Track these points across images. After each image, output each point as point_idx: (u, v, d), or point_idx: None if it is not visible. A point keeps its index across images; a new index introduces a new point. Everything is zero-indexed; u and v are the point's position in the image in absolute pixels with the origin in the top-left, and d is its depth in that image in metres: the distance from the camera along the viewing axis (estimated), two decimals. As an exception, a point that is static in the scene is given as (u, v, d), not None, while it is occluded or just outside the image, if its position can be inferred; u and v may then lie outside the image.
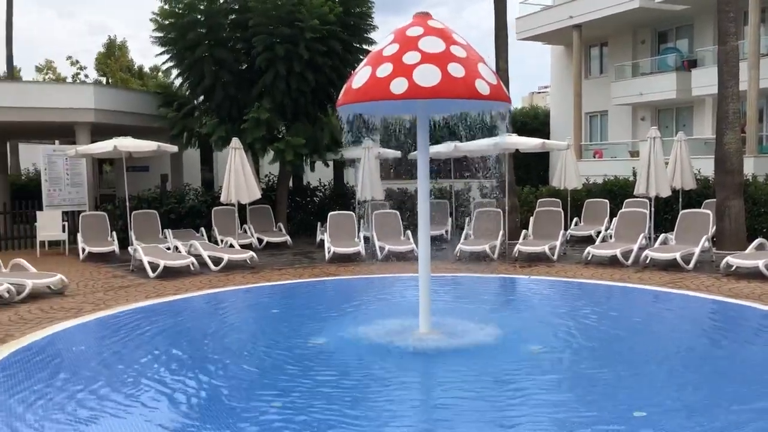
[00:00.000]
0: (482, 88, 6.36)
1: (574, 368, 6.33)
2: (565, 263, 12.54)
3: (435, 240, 15.03)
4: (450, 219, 16.80)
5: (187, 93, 16.92)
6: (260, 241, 15.30)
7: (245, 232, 15.50)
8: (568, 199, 16.18)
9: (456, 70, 6.32)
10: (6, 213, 17.41)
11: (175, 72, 16.80)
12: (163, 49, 15.94)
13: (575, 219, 16.23)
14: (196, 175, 23.09)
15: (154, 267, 11.55)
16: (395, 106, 7.19)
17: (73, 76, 36.24)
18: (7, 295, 9.41)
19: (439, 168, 22.89)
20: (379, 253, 13.26)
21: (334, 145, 16.05)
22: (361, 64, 6.81)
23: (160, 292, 10.19)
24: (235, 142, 13.50)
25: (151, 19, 15.59)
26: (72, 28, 73.48)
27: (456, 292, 10.32)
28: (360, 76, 6.63)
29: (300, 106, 15.84)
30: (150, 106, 17.38)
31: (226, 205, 14.17)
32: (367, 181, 14.34)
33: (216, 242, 14.40)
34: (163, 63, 16.58)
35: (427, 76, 6.24)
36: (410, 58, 6.39)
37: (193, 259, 11.92)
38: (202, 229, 15.42)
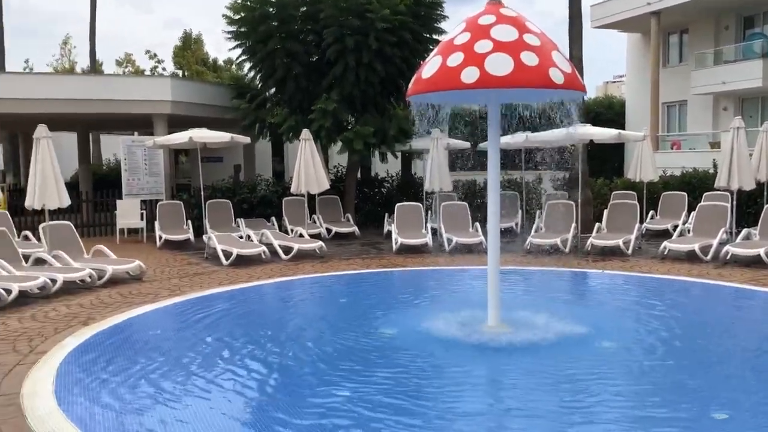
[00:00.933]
0: (556, 76, 6.21)
1: (648, 366, 6.12)
2: (640, 258, 12.15)
3: (505, 232, 14.82)
4: (520, 211, 16.53)
5: (260, 85, 17.22)
6: (329, 231, 15.45)
7: (314, 222, 15.69)
8: (644, 191, 15.65)
9: (529, 58, 6.18)
10: (88, 201, 18.23)
11: (248, 65, 17.12)
12: (236, 43, 16.27)
13: (651, 212, 15.70)
14: (267, 166, 23.52)
15: (227, 255, 11.84)
16: (466, 96, 7.11)
17: (151, 69, 37.51)
18: (89, 279, 9.84)
19: (510, 158, 22.54)
20: (446, 244, 13.18)
21: (403, 136, 16.03)
22: (432, 53, 6.76)
23: (232, 279, 10.44)
24: (305, 133, 13.67)
25: (223, 15, 15.94)
26: (149, 23, 76.06)
27: (526, 286, 10.15)
28: (430, 66, 6.58)
29: (369, 97, 15.89)
30: (224, 98, 17.78)
31: (296, 195, 14.39)
32: (435, 172, 14.26)
33: (286, 232, 14.62)
34: (237, 57, 16.94)
35: (499, 64, 6.13)
36: (482, 46, 6.29)
37: (264, 248, 12.16)
38: (273, 218, 15.69)
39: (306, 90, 16.00)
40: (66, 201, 10.48)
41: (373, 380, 5.65)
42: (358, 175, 18.62)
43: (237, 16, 15.87)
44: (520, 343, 6.60)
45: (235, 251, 11.75)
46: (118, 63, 41.41)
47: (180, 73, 36.47)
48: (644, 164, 15.26)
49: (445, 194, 15.35)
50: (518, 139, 14.39)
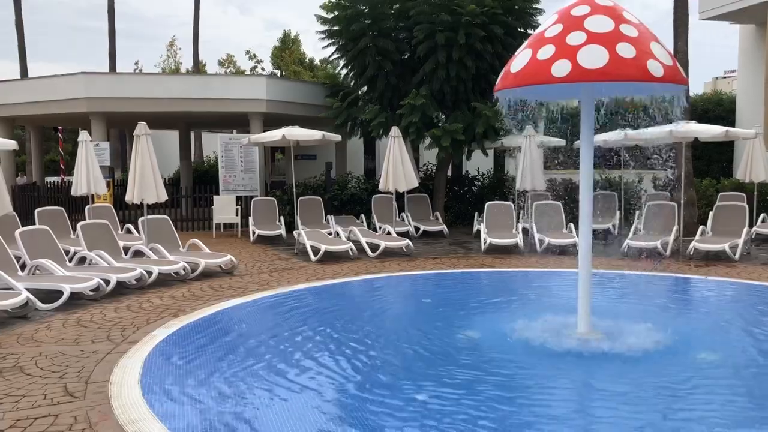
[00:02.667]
0: (655, 69, 5.81)
1: (750, 382, 5.62)
2: (748, 264, 11.31)
3: (601, 234, 14.25)
4: (618, 212, 15.81)
5: (352, 83, 17.34)
6: (417, 229, 15.35)
7: (403, 220, 15.64)
8: (755, 193, 14.60)
9: (626, 50, 5.82)
10: (188, 197, 18.95)
11: (340, 63, 17.29)
12: (328, 42, 16.45)
13: (762, 215, 14.63)
14: (358, 164, 23.72)
15: (315, 251, 11.96)
16: (558, 91, 6.80)
17: (251, 70, 38.64)
18: (183, 272, 10.17)
19: (608, 157, 21.66)
20: (538, 245, 12.77)
21: (493, 133, 15.69)
22: (522, 46, 6.51)
23: (319, 275, 10.51)
24: (395, 130, 13.61)
25: (316, 15, 16.13)
26: (251, 25, 78.60)
27: (621, 291, 9.65)
28: (519, 60, 6.32)
29: (460, 94, 15.65)
30: (317, 97, 18.03)
31: (385, 193, 14.36)
32: (527, 170, 13.86)
33: (375, 229, 14.64)
34: (330, 56, 17.13)
35: (593, 57, 5.80)
36: (575, 38, 5.97)
37: (351, 244, 12.20)
38: (362, 215, 15.75)
39: (396, 87, 15.97)
40: (163, 196, 10.89)
41: (452, 385, 5.48)
42: (449, 173, 18.41)
43: (330, 15, 16.05)
44: (611, 352, 6.24)
45: (323, 247, 11.85)
46: (221, 64, 42.94)
47: (278, 73, 37.38)
48: (755, 164, 14.23)
49: (538, 193, 14.91)
50: (616, 136, 13.75)
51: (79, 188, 13.44)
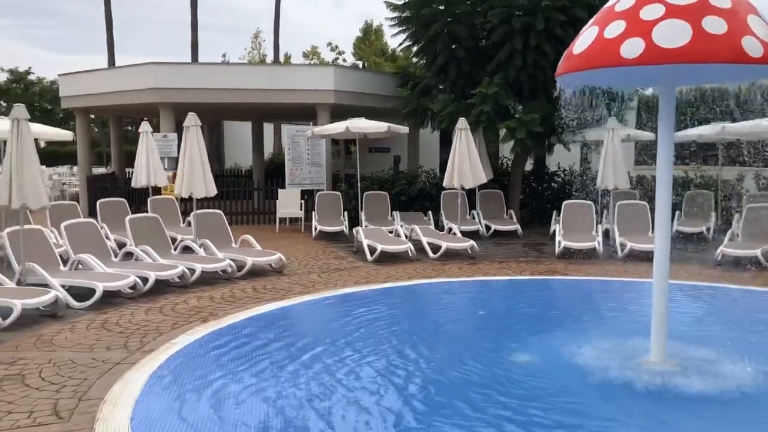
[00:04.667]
0: (752, 47, 4.69)
1: None
2: None
3: (692, 238, 12.83)
4: (714, 214, 14.25)
5: (423, 72, 16.52)
6: (488, 228, 14.37)
7: (473, 218, 14.70)
8: None
9: (714, 25, 4.73)
10: (258, 189, 18.67)
11: (412, 51, 16.49)
12: (398, 29, 15.68)
13: None
14: (434, 157, 22.82)
15: (372, 250, 11.25)
16: (630, 75, 5.75)
17: (333, 61, 38.38)
18: (229, 270, 9.70)
19: (704, 152, 19.85)
20: (619, 250, 11.55)
21: (575, 125, 14.45)
22: (587, 24, 5.50)
23: (370, 278, 9.79)
24: (462, 122, 12.70)
25: (385, 1, 15.37)
26: (341, 17, 78.84)
27: (709, 309, 8.38)
28: (583, 39, 5.33)
29: (538, 83, 14.48)
30: (387, 87, 17.32)
31: (451, 189, 13.49)
32: (609, 167, 12.61)
33: (443, 228, 13.80)
34: (400, 43, 16.36)
35: (672, 34, 4.75)
36: (650, 12, 4.93)
37: (410, 245, 11.41)
38: (430, 212, 14.92)
39: (469, 75, 14.99)
40: (212, 190, 10.46)
41: (490, 421, 4.62)
42: (532, 168, 17.28)
43: (401, 2, 15.25)
44: (688, 389, 5.18)
45: (379, 247, 11.12)
46: (305, 55, 42.97)
47: (360, 64, 36.92)
48: None
49: (622, 192, 13.61)
50: (712, 130, 12.28)
51: (139, 180, 13.32)
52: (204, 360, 5.99)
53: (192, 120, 10.33)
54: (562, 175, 17.58)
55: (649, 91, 16.66)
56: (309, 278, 9.78)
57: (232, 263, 9.72)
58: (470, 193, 14.74)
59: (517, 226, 14.44)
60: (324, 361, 5.89)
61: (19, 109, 8.03)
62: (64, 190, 24.92)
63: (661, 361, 5.69)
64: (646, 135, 16.21)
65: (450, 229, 13.24)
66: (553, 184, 17.44)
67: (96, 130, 45.05)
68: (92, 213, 13.84)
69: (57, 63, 77.48)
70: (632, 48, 4.87)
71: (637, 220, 12.34)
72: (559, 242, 11.83)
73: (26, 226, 8.68)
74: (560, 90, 6.04)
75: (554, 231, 13.15)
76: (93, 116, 31.74)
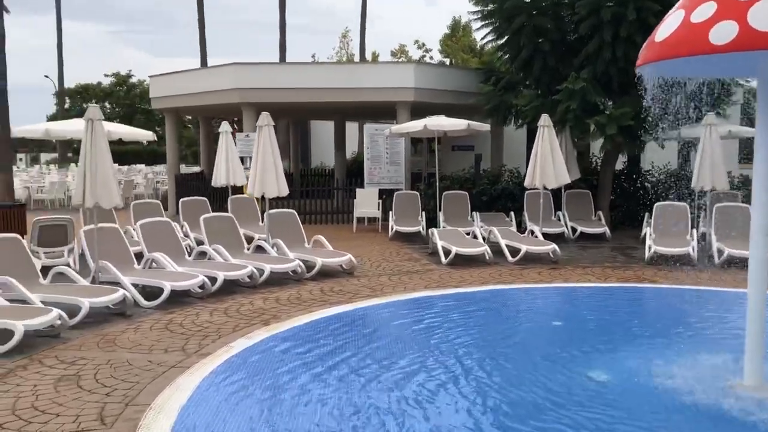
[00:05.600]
0: None
1: None
2: None
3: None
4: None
5: (506, 67, 15.93)
6: (574, 230, 13.64)
7: (559, 219, 14.00)
8: None
9: (824, 2, 4.09)
10: (339, 189, 18.60)
11: (493, 46, 15.94)
12: (481, 23, 15.17)
13: None
14: (519, 156, 22.09)
15: (446, 252, 10.86)
16: (723, 64, 5.10)
17: (419, 59, 38.08)
18: (299, 270, 9.57)
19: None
20: (716, 256, 10.63)
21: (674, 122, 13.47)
22: (674, 7, 4.92)
23: (442, 282, 9.41)
24: (544, 119, 12.09)
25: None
26: (434, 15, 78.61)
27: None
28: (667, 25, 4.77)
29: (630, 77, 13.57)
30: (470, 84, 16.82)
31: (532, 189, 12.89)
32: (706, 166, 11.66)
33: (526, 229, 13.21)
34: (483, 38, 15.86)
35: (772, 15, 4.15)
36: (747, -9, 4.34)
37: (486, 247, 10.93)
38: (512, 213, 14.33)
39: (554, 70, 14.29)
40: (284, 190, 10.36)
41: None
42: (620, 166, 16.33)
43: (484, -5, 14.74)
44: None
45: (454, 249, 10.70)
46: (393, 54, 42.91)
47: (447, 61, 36.43)
48: None
49: (722, 193, 12.57)
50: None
51: (218, 179, 13.47)
52: (257, 366, 5.81)
53: (265, 119, 10.27)
54: (656, 175, 16.53)
55: (754, 83, 15.36)
56: (378, 281, 9.51)
57: (301, 264, 9.58)
58: (557, 194, 14.05)
59: (606, 229, 13.63)
60: (376, 372, 5.58)
61: (94, 110, 8.17)
62: (157, 189, 25.83)
63: (757, 385, 5.04)
64: (751, 131, 14.96)
65: (532, 232, 12.64)
66: (646, 184, 16.41)
67: (192, 129, 46.75)
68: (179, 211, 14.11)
69: (157, 66, 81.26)
70: (724, 33, 4.30)
71: (737, 223, 11.33)
72: (650, 247, 11.03)
73: (102, 225, 8.86)
74: (643, 82, 5.49)
75: (645, 234, 12.31)
76: (189, 117, 32.84)
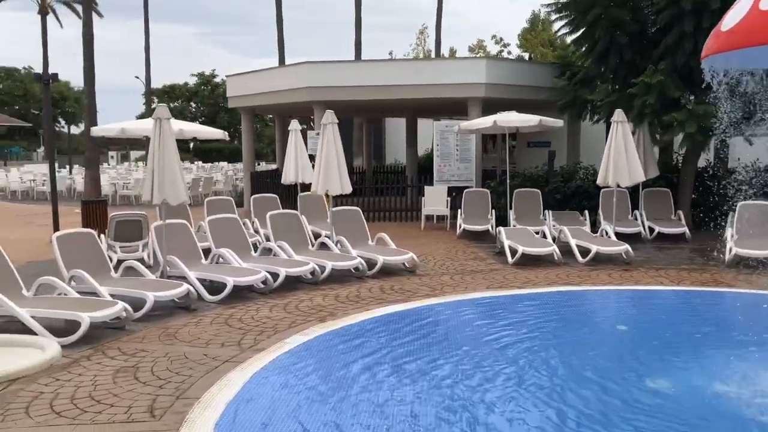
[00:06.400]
0: None
1: None
2: None
3: None
4: None
5: (582, 61, 15.44)
6: (651, 230, 13.07)
7: (636, 219, 13.45)
8: None
9: None
10: (411, 186, 18.54)
11: (569, 39, 15.49)
12: (556, 16, 14.76)
13: None
14: (597, 154, 21.38)
15: (513, 252, 10.62)
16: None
17: (497, 54, 37.49)
18: (360, 268, 9.58)
19: None
20: (805, 260, 9.94)
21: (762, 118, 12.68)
22: (744, -6, 4.60)
23: (506, 282, 9.20)
24: (618, 114, 11.63)
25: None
26: (516, 11, 77.48)
27: None
28: (735, 12, 4.48)
29: (714, 70, 12.89)
30: (545, 78, 16.41)
31: (605, 187, 12.44)
32: (796, 163, 10.90)
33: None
34: (557, 30, 15.42)
35: None
36: (823, -28, 4.00)
37: (555, 247, 10.61)
38: (587, 212, 13.87)
39: (631, 63, 13.72)
40: (348, 188, 10.40)
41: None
42: (704, 163, 15.54)
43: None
44: None
45: (520, 249, 10.44)
46: (470, 49, 42.43)
47: (526, 56, 35.72)
48: None
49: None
50: None
51: (287, 177, 13.68)
52: (309, 363, 5.84)
53: (329, 117, 10.33)
54: (743, 173, 15.60)
55: None
56: (440, 280, 9.39)
57: (363, 262, 9.59)
58: (634, 192, 13.51)
59: (685, 229, 12.99)
60: (427, 374, 5.50)
61: (162, 109, 8.43)
62: (236, 185, 26.55)
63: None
64: None
65: (605, 231, 12.19)
66: (731, 182, 15.52)
67: (273, 127, 47.84)
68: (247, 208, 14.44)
69: (242, 65, 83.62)
70: (796, 19, 3.97)
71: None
72: (730, 249, 10.43)
73: (172, 221, 9.15)
74: (711, 75, 5.16)
75: (727, 236, 11.65)
76: (270, 115, 33.55)
